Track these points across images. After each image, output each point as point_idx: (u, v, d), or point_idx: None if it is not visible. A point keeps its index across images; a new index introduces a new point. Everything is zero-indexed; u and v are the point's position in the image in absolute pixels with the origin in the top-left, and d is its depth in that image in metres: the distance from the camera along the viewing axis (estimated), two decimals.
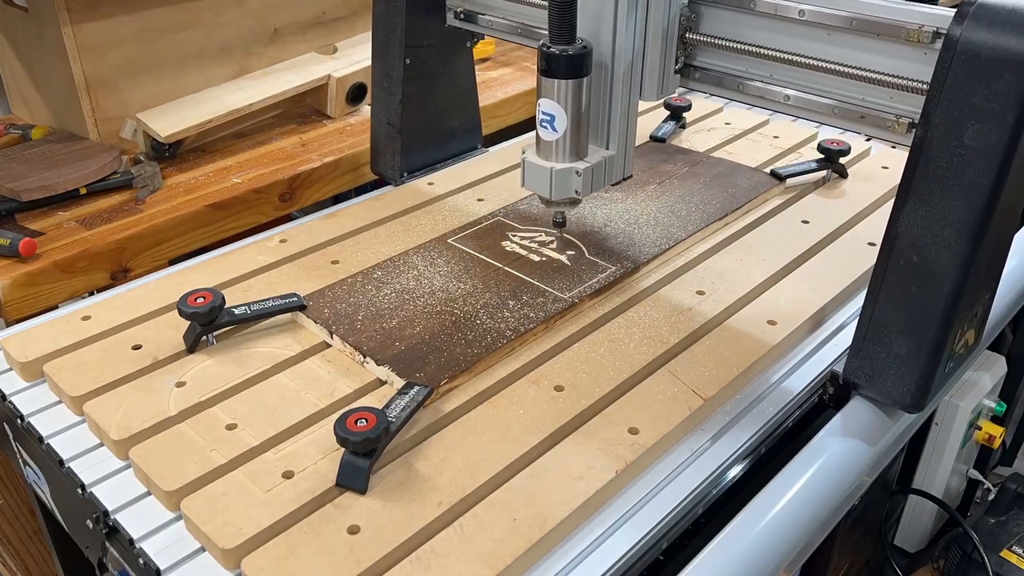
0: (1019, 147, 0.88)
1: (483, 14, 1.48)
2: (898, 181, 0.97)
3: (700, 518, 0.98)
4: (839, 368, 1.12)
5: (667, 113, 1.82)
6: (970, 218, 0.92)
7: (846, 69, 1.03)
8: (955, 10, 0.90)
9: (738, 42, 1.12)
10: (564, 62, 1.09)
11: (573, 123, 1.13)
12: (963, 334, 1.04)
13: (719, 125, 1.83)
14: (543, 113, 1.13)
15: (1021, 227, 1.44)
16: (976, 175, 0.90)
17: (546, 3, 1.07)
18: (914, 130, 0.96)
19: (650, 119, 1.85)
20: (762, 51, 1.10)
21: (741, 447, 1.03)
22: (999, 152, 0.88)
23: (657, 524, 0.93)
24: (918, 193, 0.94)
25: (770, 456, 1.06)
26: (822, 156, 1.60)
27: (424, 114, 1.59)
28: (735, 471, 1.02)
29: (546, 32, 1.09)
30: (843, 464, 1.03)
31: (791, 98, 1.11)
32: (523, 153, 1.19)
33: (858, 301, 1.28)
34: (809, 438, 1.05)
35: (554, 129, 1.13)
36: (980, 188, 0.90)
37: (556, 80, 1.10)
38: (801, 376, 1.15)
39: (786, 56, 1.08)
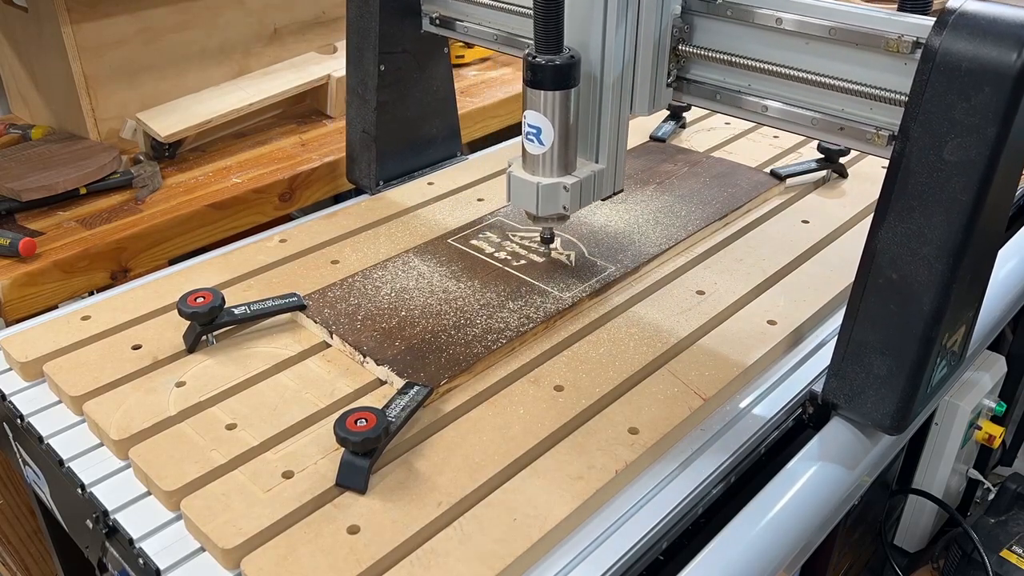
0: (1000, 163, 0.85)
1: (460, 20, 1.42)
2: None
3: (700, 518, 0.98)
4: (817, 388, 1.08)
5: (667, 113, 1.82)
6: (950, 236, 0.88)
7: (825, 80, 0.99)
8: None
9: (735, 55, 1.07)
10: (550, 72, 1.05)
11: (560, 136, 1.09)
12: (945, 354, 1.00)
13: (719, 125, 1.83)
14: (529, 126, 1.09)
15: (1013, 236, 1.44)
16: (956, 191, 0.87)
17: (524, 10, 1.00)
18: (893, 143, 0.92)
19: (650, 119, 1.84)
20: (758, 65, 1.05)
21: (741, 447, 1.03)
22: (980, 168, 0.85)
23: (657, 524, 0.93)
24: (897, 209, 0.91)
25: (771, 455, 1.06)
26: (822, 156, 1.60)
27: (400, 122, 1.56)
28: (734, 472, 1.02)
29: (528, 40, 1.03)
30: (840, 462, 1.02)
31: (769, 109, 1.07)
32: (508, 166, 1.15)
33: None
34: (807, 441, 1.05)
35: (541, 142, 1.09)
36: (960, 205, 0.87)
37: (542, 91, 1.06)
38: (805, 375, 1.15)
39: (764, 66, 1.03)
